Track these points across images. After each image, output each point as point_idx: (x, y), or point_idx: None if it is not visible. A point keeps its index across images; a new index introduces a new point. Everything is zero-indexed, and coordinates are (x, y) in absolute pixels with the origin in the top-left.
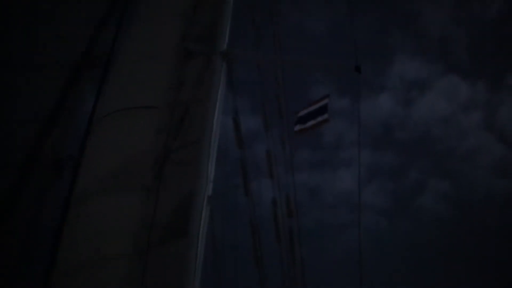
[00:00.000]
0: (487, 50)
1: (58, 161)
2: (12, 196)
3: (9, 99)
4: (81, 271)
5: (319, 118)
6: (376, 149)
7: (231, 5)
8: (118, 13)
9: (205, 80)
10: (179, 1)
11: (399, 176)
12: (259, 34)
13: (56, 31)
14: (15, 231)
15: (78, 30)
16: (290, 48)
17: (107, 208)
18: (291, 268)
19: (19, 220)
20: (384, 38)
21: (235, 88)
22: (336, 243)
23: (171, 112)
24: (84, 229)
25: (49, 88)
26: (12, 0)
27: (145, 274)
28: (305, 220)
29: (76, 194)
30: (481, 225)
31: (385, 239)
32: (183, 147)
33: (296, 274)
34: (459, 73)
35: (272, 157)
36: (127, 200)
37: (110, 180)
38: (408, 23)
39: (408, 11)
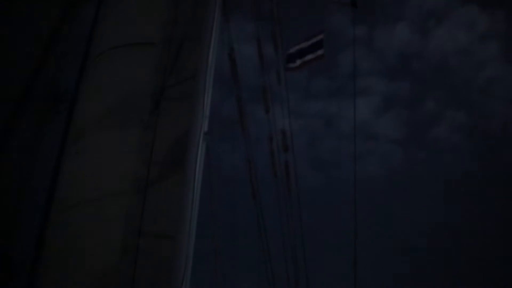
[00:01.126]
0: None
1: (55, 96)
2: (9, 130)
3: (5, 30)
4: (79, 208)
5: (314, 54)
6: (392, 78)
7: None
8: None
9: (200, 15)
10: None
11: (414, 106)
12: None
13: None
14: (13, 168)
15: None
16: None
17: (105, 144)
18: (287, 203)
19: (17, 157)
20: None
21: (230, 23)
22: (351, 172)
23: (167, 47)
24: (83, 166)
25: (44, 18)
26: None
27: (144, 210)
28: (320, 149)
29: (74, 130)
30: (496, 156)
31: (400, 168)
32: (179, 83)
33: (293, 208)
34: (478, 2)
35: (268, 92)
36: (124, 136)
37: (107, 116)
38: None
39: None
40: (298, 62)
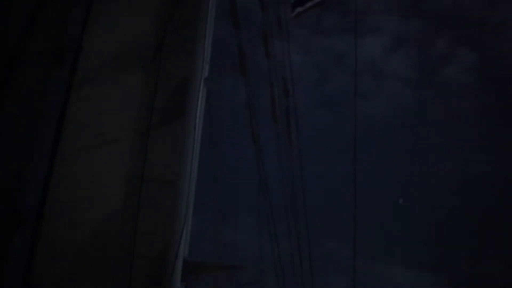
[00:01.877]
0: None
1: (60, 44)
2: (12, 79)
3: None
4: (82, 155)
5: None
6: (403, 17)
7: None
8: None
9: None
10: None
11: (425, 46)
12: None
13: None
14: (17, 118)
15: None
16: None
17: (107, 91)
18: (287, 147)
19: (22, 106)
20: None
21: None
22: (360, 111)
23: None
24: (85, 113)
25: None
26: None
27: (146, 155)
28: (328, 86)
29: (77, 78)
30: (507, 97)
31: (410, 108)
32: (179, 28)
33: (293, 152)
34: None
35: (268, 36)
36: (126, 83)
37: (110, 64)
38: None
39: None
40: (305, 6)
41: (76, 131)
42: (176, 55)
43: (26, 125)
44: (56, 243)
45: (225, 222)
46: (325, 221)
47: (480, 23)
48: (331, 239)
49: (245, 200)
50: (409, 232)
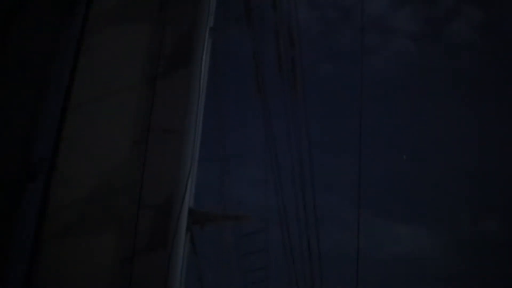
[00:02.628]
0: None
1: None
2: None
3: None
4: (91, 104)
5: None
6: None
7: None
8: None
9: None
10: None
11: (433, 1)
12: None
13: None
14: (29, 64)
15: None
16: None
17: (114, 40)
18: (293, 98)
19: (34, 55)
20: None
21: None
22: (365, 66)
23: None
24: (92, 62)
25: None
26: None
27: (152, 104)
28: (335, 40)
29: (86, 29)
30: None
31: (415, 64)
32: None
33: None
34: None
35: None
36: (133, 32)
37: (117, 12)
38: None
39: None
40: None
41: (84, 81)
42: (182, 4)
43: (39, 74)
44: (65, 192)
45: (230, 175)
46: (329, 176)
47: None
48: (334, 194)
49: (250, 153)
50: (411, 188)
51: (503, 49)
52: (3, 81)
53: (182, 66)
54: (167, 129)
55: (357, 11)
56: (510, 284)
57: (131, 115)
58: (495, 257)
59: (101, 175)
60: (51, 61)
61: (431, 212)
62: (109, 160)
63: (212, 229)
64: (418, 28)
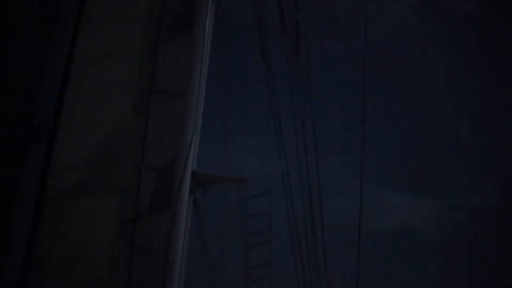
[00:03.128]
0: None
1: None
2: None
3: None
4: (93, 66)
5: None
6: None
7: None
8: None
9: None
10: None
11: None
12: None
13: None
14: (32, 27)
15: None
16: None
17: (115, 3)
18: (296, 62)
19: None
20: None
21: None
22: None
23: None
24: (92, 25)
25: None
26: None
27: (155, 67)
28: (335, 9)
29: None
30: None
31: (414, 33)
32: None
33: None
34: None
35: None
36: None
37: None
38: None
39: None
40: None
41: (86, 44)
42: None
43: (40, 37)
44: (68, 154)
45: (233, 143)
46: (331, 147)
47: None
48: (337, 164)
49: (253, 119)
50: (410, 158)
51: (500, 20)
52: (4, 43)
53: (185, 29)
54: (170, 91)
55: None
56: (510, 253)
57: (133, 78)
58: (495, 226)
59: (103, 137)
60: (53, 24)
61: (431, 183)
62: (111, 123)
63: (215, 195)
64: None
